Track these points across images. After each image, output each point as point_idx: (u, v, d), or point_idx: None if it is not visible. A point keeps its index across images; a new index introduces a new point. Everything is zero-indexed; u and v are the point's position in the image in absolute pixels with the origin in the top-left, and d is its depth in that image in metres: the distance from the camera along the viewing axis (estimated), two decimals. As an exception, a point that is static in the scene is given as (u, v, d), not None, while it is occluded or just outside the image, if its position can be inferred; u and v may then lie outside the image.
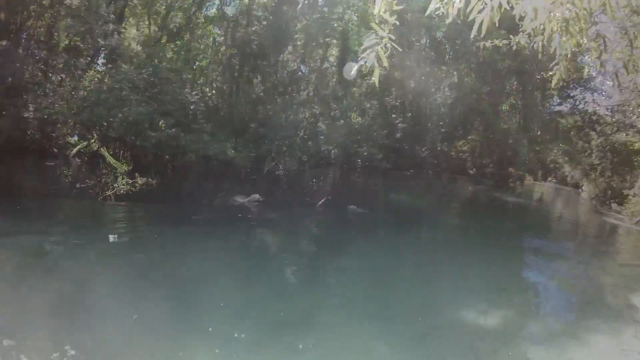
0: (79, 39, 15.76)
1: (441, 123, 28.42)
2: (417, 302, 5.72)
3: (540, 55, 3.89)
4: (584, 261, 11.05)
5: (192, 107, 15.80)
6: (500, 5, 2.83)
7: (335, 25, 24.24)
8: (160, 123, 12.56)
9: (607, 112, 29.58)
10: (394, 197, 16.18)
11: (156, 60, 13.33)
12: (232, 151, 13.60)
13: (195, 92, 16.66)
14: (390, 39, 2.83)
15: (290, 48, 24.58)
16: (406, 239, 9.24)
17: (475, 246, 10.72)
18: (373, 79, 2.87)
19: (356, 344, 4.24)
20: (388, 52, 2.88)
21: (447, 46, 21.55)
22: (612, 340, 5.31)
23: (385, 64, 2.90)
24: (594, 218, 23.39)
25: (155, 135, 12.24)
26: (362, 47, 2.93)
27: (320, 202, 9.44)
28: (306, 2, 19.14)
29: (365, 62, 2.87)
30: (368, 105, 20.13)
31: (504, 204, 22.99)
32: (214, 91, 24.08)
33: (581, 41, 3.31)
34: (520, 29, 4.19)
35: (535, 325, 5.51)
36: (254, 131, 16.11)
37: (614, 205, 28.35)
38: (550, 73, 3.92)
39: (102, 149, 13.20)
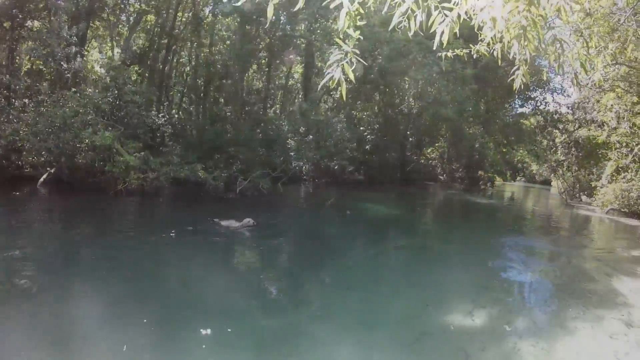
0: (41, 62, 15.49)
1: (409, 132, 28.88)
2: (402, 309, 5.73)
3: (500, 62, 3.99)
4: (562, 252, 11.27)
5: (159, 130, 15.64)
6: (459, 16, 2.91)
7: (298, 42, 24.45)
8: (128, 147, 12.33)
9: (568, 110, 30.57)
10: (369, 207, 16.25)
11: (120, 82, 13.06)
12: (203, 172, 13.41)
13: (162, 114, 16.44)
14: (354, 53, 2.87)
15: (254, 67, 24.68)
16: (383, 248, 9.24)
17: (453, 249, 10.80)
18: (339, 93, 2.90)
19: (345, 356, 4.20)
20: (354, 66, 2.92)
21: (409, 57, 21.89)
22: (599, 327, 5.44)
23: (352, 77, 2.93)
24: (565, 211, 23.95)
25: (123, 160, 11.98)
26: (328, 62, 2.97)
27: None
28: (270, 21, 19.27)
29: (332, 77, 2.90)
30: (335, 119, 20.27)
31: (477, 206, 23.35)
32: (180, 112, 23.94)
33: (539, 46, 3.41)
34: (480, 38, 4.30)
35: (521, 319, 5.59)
36: (223, 151, 15.97)
37: (584, 198, 29.23)
38: (511, 78, 4.02)
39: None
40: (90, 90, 13.11)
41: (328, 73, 2.95)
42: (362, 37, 2.89)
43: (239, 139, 16.86)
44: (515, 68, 3.71)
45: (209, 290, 5.84)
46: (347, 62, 2.89)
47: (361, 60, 2.98)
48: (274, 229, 10.26)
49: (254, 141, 17.32)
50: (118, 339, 4.10)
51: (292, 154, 17.83)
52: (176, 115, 20.74)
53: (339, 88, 2.85)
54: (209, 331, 4.33)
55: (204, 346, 4.10)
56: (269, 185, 15.37)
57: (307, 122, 19.34)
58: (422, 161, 33.96)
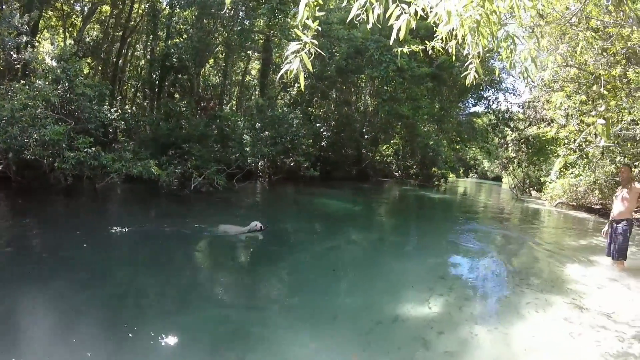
0: (-11, 51, 14.67)
1: (365, 130, 29.17)
2: (359, 300, 5.77)
3: (454, 58, 4.08)
4: (514, 242, 11.64)
5: (112, 125, 15.14)
6: (416, 13, 2.95)
7: (256, 38, 24.24)
8: (78, 142, 11.80)
9: (519, 109, 31.70)
10: (325, 202, 16.29)
11: (72, 74, 12.47)
12: (157, 169, 13.05)
13: (115, 108, 15.90)
14: (313, 44, 2.87)
15: (211, 61, 24.32)
16: (339, 241, 9.26)
17: (409, 241, 10.99)
18: (297, 89, 2.89)
19: (301, 348, 4.18)
20: (312, 57, 2.91)
21: (366, 55, 22.12)
22: (553, 311, 5.62)
23: (310, 68, 2.93)
24: (516, 205, 24.68)
25: (74, 156, 11.47)
26: (286, 53, 2.95)
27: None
28: (228, 14, 18.99)
29: (290, 68, 2.89)
30: (292, 115, 20.21)
31: (431, 201, 23.83)
32: (134, 107, 23.34)
33: (491, 41, 3.51)
34: (435, 35, 4.39)
35: (477, 306, 5.73)
36: (177, 147, 15.63)
37: (534, 193, 30.36)
38: (465, 73, 4.11)
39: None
40: (40, 82, 12.41)
41: (286, 63, 2.94)
42: (320, 31, 2.89)
43: (194, 134, 16.53)
44: (468, 62, 3.80)
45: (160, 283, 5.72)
46: (305, 52, 2.88)
47: (320, 50, 2.97)
48: (228, 222, 10.05)
49: (209, 137, 17.03)
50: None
51: (247, 149, 17.63)
52: (129, 110, 20.12)
53: (296, 84, 2.85)
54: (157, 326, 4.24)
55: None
56: (223, 182, 15.14)
57: (263, 118, 19.21)
58: (378, 158, 34.37)
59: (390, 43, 3.35)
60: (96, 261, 6.44)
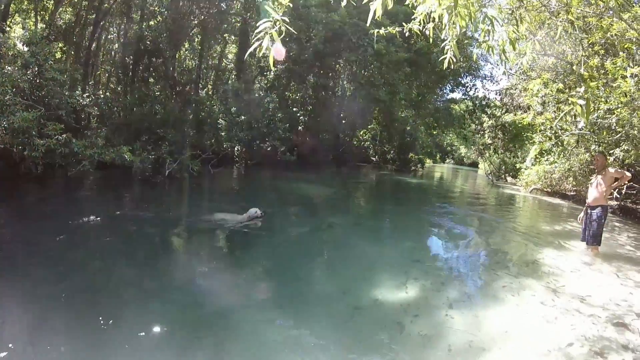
0: (-41, 36, 14.00)
1: (342, 114, 29.07)
2: (337, 285, 5.71)
3: (431, 40, 4.00)
4: (490, 226, 11.71)
5: (84, 111, 14.73)
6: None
7: (233, 20, 23.83)
8: (49, 129, 11.38)
9: (496, 96, 32.01)
10: (302, 187, 16.20)
11: (41, 59, 12.00)
12: (130, 155, 12.73)
13: (87, 94, 15.43)
14: (284, 21, 2.75)
15: (187, 45, 23.82)
16: (316, 226, 9.16)
17: (386, 225, 10.97)
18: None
19: (279, 337, 4.10)
20: (282, 35, 2.80)
21: (343, 39, 22.00)
22: (528, 294, 5.66)
23: (280, 45, 2.81)
24: (492, 190, 24.98)
25: (44, 143, 11.07)
26: (256, 30, 2.83)
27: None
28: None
29: (260, 45, 2.77)
30: (267, 99, 19.98)
31: (408, 185, 23.94)
32: (107, 92, 22.76)
33: (469, 23, 3.43)
34: (412, 17, 4.30)
35: (452, 289, 5.72)
36: (151, 132, 15.29)
37: (509, 179, 30.83)
38: (442, 57, 4.04)
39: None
40: (9, 68, 11.90)
41: (256, 40, 2.82)
42: (297, 14, 2.78)
43: (169, 119, 16.17)
44: (444, 43, 3.73)
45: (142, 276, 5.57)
46: (276, 30, 2.77)
47: (290, 27, 2.86)
48: (205, 211, 9.86)
49: (184, 122, 16.70)
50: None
51: (222, 134, 17.37)
52: (102, 96, 19.57)
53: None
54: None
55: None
56: (198, 168, 14.92)
57: (239, 102, 18.95)
58: (355, 143, 34.37)
59: (367, 24, 3.26)
60: (70, 251, 6.23)
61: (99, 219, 8.10)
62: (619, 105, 9.25)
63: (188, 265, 6.36)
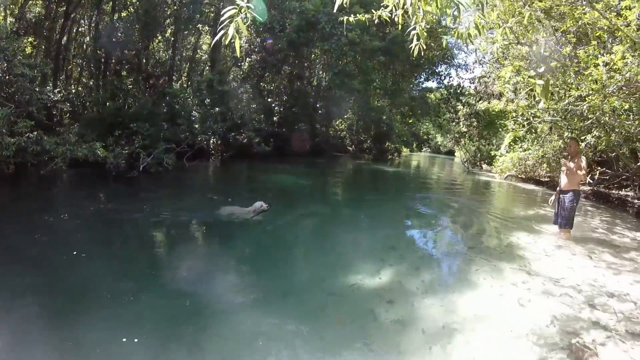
0: None
1: (318, 105, 29.02)
2: (312, 274, 5.73)
3: (400, 27, 4.01)
4: (464, 212, 11.80)
5: (55, 107, 14.41)
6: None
7: (207, 11, 23.51)
8: (19, 126, 11.06)
9: (470, 85, 32.38)
10: (278, 177, 16.13)
11: (10, 54, 11.63)
12: (103, 150, 12.47)
13: (59, 89, 15.08)
14: (249, 7, 2.71)
15: (160, 37, 23.44)
16: (292, 216, 9.11)
17: (362, 213, 10.95)
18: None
19: (254, 326, 4.11)
20: (248, 22, 2.76)
21: (317, 28, 21.93)
22: (501, 277, 5.73)
23: (246, 33, 2.79)
24: (468, 177, 25.25)
25: (14, 142, 10.76)
26: (221, 18, 2.79)
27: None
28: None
29: (225, 33, 2.73)
30: (241, 89, 19.80)
31: (385, 174, 24.05)
32: (80, 87, 22.29)
33: (436, 9, 3.44)
34: (382, 4, 4.30)
35: (427, 275, 5.76)
36: (125, 127, 14.99)
37: (485, 166, 31.26)
38: (412, 45, 4.05)
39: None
40: None
41: (221, 28, 2.78)
42: (271, 3, 2.75)
43: (142, 113, 15.84)
44: (410, 28, 3.73)
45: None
46: (241, 18, 2.73)
47: (256, 15, 2.82)
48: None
49: (158, 115, 16.40)
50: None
51: (196, 127, 17.17)
52: (74, 91, 19.17)
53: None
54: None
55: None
56: (173, 161, 14.70)
57: (212, 93, 18.76)
58: (332, 133, 34.36)
59: (334, 11, 3.23)
60: (47, 250, 6.07)
61: (66, 216, 7.94)
62: (590, 92, 9.41)
63: (161, 260, 6.29)
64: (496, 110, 14.60)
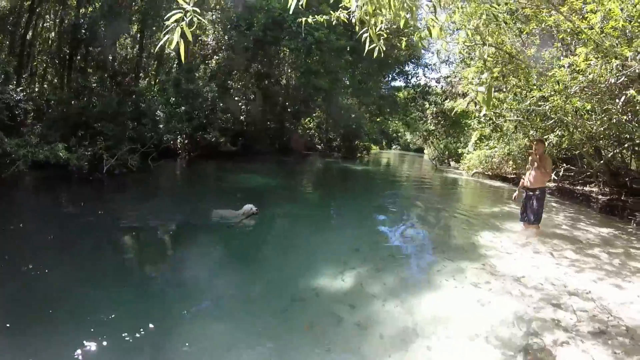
0: None
1: (288, 103, 28.86)
2: (274, 278, 5.66)
3: (357, 28, 3.98)
4: (429, 210, 11.91)
5: (18, 107, 13.91)
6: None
7: (174, 6, 23.03)
8: None
9: (436, 84, 32.80)
10: (245, 177, 15.93)
11: None
12: (65, 152, 12.07)
13: (21, 88, 14.56)
14: (195, 12, 2.64)
15: (126, 34, 22.92)
16: (258, 219, 8.89)
17: (328, 214, 10.92)
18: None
19: (214, 333, 4.09)
20: (194, 26, 2.69)
21: (284, 26, 21.88)
22: (463, 278, 5.74)
23: (190, 38, 2.70)
24: (436, 175, 25.52)
25: None
26: (166, 23, 2.70)
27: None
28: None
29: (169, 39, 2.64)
30: (207, 88, 19.53)
31: (354, 172, 24.08)
32: (44, 85, 21.63)
33: (388, 12, 3.43)
34: (340, 5, 4.29)
35: (389, 277, 5.72)
36: (89, 127, 14.55)
37: (453, 163, 31.71)
38: (371, 47, 4.04)
39: None
40: None
41: (165, 33, 2.69)
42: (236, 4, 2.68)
43: (107, 112, 15.36)
44: (363, 31, 3.72)
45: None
46: (186, 22, 2.65)
47: (202, 20, 2.75)
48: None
49: (123, 114, 15.91)
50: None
51: (161, 127, 16.83)
52: (37, 89, 18.56)
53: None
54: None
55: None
56: (137, 162, 14.38)
57: (178, 92, 18.47)
58: (300, 131, 34.23)
59: (290, 13, 3.19)
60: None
61: (22, 224, 7.63)
62: (553, 93, 9.58)
63: (119, 265, 6.12)
64: (460, 110, 14.68)
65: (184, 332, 4.00)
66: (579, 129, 11.23)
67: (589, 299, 5.21)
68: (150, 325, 4.07)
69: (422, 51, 31.73)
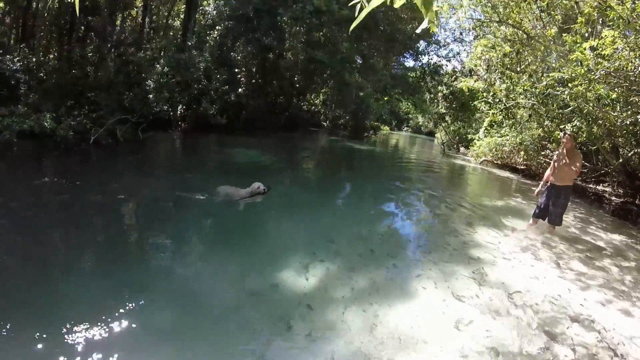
0: None
1: (295, 77, 27.79)
2: (235, 271, 4.98)
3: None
4: (427, 200, 10.80)
5: (14, 77, 13.59)
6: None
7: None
8: None
9: (446, 64, 31.49)
10: (238, 152, 15.10)
11: None
12: (51, 122, 11.56)
13: (18, 58, 14.15)
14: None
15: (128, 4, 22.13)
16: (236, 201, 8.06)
17: (312, 198, 9.60)
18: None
19: (157, 331, 3.59)
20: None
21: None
22: (445, 286, 4.98)
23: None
24: (442, 160, 24.44)
25: None
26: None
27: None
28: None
29: None
30: (200, 59, 18.68)
31: (356, 153, 22.97)
32: (43, 56, 21.02)
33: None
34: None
35: (360, 277, 4.96)
36: (82, 96, 13.98)
37: (462, 149, 30.78)
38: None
39: None
40: None
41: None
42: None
43: (102, 82, 14.91)
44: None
45: None
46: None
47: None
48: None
49: (118, 84, 15.32)
50: None
51: (150, 97, 16.05)
52: (34, 59, 17.94)
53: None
54: None
55: None
56: (123, 132, 13.78)
57: (170, 62, 17.68)
58: (305, 107, 33.18)
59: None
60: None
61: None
62: (574, 76, 8.59)
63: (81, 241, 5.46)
64: (465, 89, 13.39)
65: (115, 327, 3.49)
66: (600, 121, 10.20)
67: (592, 328, 4.36)
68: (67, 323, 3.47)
69: (435, 29, 30.14)
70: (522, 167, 18.61)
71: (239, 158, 14.19)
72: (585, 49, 7.92)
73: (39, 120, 11.61)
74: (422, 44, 31.61)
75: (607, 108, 9.55)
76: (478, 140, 23.36)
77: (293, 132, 26.45)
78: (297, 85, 28.58)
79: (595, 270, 6.19)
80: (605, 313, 4.74)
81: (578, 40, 8.39)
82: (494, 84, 12.00)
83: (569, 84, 8.93)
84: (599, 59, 7.86)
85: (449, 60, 30.53)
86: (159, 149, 15.13)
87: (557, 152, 7.99)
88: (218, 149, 16.19)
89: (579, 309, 4.75)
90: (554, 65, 9.72)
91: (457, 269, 5.54)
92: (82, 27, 19.62)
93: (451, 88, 29.97)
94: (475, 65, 13.05)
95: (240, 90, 23.33)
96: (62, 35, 20.55)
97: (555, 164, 7.79)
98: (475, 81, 12.18)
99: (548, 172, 7.99)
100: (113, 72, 15.79)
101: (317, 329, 3.75)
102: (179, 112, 19.12)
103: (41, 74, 15.08)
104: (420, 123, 69.95)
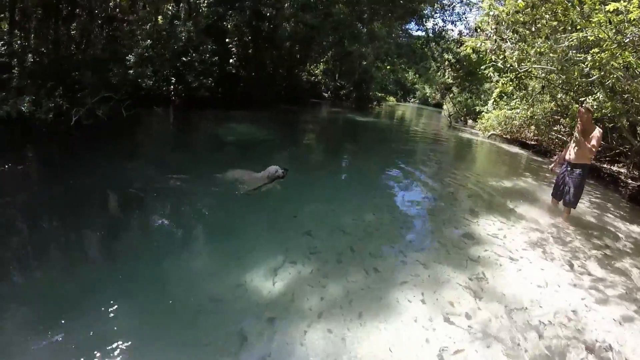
0: None
1: (297, 47, 26.45)
2: (200, 268, 4.36)
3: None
4: (426, 182, 9.80)
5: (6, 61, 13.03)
6: None
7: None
8: None
9: (452, 28, 30.15)
10: (232, 128, 14.25)
11: None
12: (29, 105, 10.88)
13: (2, 42, 13.58)
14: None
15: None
16: (219, 182, 7.06)
17: (299, 180, 8.54)
18: None
19: (111, 334, 3.09)
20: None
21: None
22: (430, 300, 4.11)
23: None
24: (448, 134, 23.42)
25: None
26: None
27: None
28: None
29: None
30: (181, 29, 17.62)
31: (357, 126, 21.87)
32: (26, 34, 20.13)
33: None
34: None
35: (331, 284, 4.20)
36: (66, 76, 13.12)
37: (470, 122, 29.82)
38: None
39: None
40: None
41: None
42: None
43: (87, 60, 14.01)
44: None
45: None
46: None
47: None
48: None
49: (103, 61, 14.39)
50: None
51: (130, 72, 15.10)
52: (19, 41, 17.06)
53: None
54: None
55: None
56: (110, 111, 12.97)
57: (150, 33, 16.72)
58: (305, 78, 31.96)
59: None
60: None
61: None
62: (599, 37, 7.50)
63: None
64: (470, 50, 11.88)
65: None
66: (626, 95, 9.09)
67: (610, 360, 3.48)
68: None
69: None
70: (532, 143, 17.68)
71: (225, 134, 13.25)
72: (608, 11, 6.83)
73: (16, 105, 10.83)
74: (427, 9, 29.71)
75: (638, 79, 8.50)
76: (487, 112, 22.26)
77: (293, 105, 25.40)
78: (298, 56, 27.26)
79: (615, 275, 5.30)
80: (628, 338, 3.87)
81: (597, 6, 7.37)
82: (503, 46, 10.79)
83: (591, 52, 7.86)
84: (626, 24, 6.89)
85: (454, 24, 29.13)
86: (142, 127, 14.29)
87: (576, 127, 7.24)
88: (203, 125, 15.39)
89: (595, 333, 3.89)
90: (577, 22, 8.43)
91: (452, 275, 4.66)
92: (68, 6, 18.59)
93: (458, 56, 28.43)
94: (482, 22, 11.70)
95: (231, 61, 22.03)
96: (47, 14, 19.64)
97: (574, 137, 7.22)
98: (481, 42, 10.90)
99: (567, 149, 7.50)
100: (100, 49, 15.06)
101: (276, 346, 3.15)
102: (167, 87, 18.14)
103: (27, 56, 14.31)
104: (427, 94, 68.31)
